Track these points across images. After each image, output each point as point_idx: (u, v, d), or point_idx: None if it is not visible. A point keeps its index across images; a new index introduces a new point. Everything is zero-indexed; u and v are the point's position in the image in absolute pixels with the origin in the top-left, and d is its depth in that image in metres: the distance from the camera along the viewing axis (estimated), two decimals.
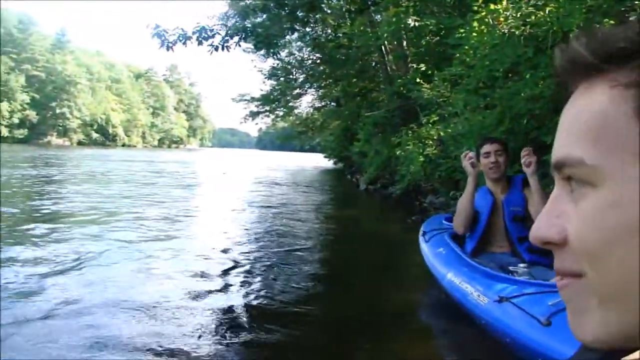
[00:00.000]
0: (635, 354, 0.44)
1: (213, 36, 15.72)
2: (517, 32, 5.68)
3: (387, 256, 6.87)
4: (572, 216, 0.44)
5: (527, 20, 5.61)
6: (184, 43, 14.99)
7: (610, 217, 0.41)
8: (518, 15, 5.65)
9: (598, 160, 0.41)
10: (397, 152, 11.92)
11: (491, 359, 3.23)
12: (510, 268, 3.46)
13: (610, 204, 0.41)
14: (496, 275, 3.35)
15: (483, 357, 3.32)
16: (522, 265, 3.42)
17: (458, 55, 7.38)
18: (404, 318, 4.18)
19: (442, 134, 9.67)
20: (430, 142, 10.46)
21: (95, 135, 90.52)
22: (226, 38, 16.20)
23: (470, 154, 3.93)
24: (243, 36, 16.88)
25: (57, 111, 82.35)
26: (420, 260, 4.83)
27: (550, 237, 0.45)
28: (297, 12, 17.47)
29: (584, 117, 0.43)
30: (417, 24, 11.84)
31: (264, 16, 18.24)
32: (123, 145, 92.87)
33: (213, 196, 15.25)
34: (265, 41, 16.66)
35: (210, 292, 4.68)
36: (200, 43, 15.29)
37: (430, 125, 10.88)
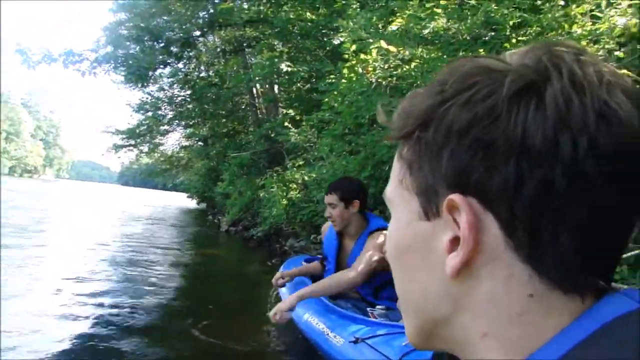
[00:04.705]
0: None
1: (81, 61, 15.21)
2: (383, 83, 5.91)
3: (245, 296, 6.76)
4: None
5: (394, 72, 5.85)
6: (49, 64, 14.38)
7: (391, 236, 0.54)
8: (386, 67, 5.89)
9: (390, 194, 0.54)
10: (261, 194, 11.90)
11: None
12: (368, 310, 3.47)
13: (393, 225, 0.54)
14: (352, 317, 3.34)
15: None
16: (379, 307, 3.43)
17: (327, 100, 7.55)
18: (260, 357, 4.09)
19: (306, 178, 9.78)
20: (294, 185, 10.54)
21: None
22: (94, 64, 15.71)
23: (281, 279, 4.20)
24: (113, 65, 16.43)
25: None
26: (278, 300, 4.76)
27: None
28: (172, 47, 17.27)
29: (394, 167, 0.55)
30: (289, 69, 12.07)
31: (137, 48, 17.82)
32: None
33: (71, 231, 14.35)
34: (136, 73, 16.27)
35: (57, 326, 4.35)
36: (66, 66, 14.73)
37: (295, 169, 10.99)
